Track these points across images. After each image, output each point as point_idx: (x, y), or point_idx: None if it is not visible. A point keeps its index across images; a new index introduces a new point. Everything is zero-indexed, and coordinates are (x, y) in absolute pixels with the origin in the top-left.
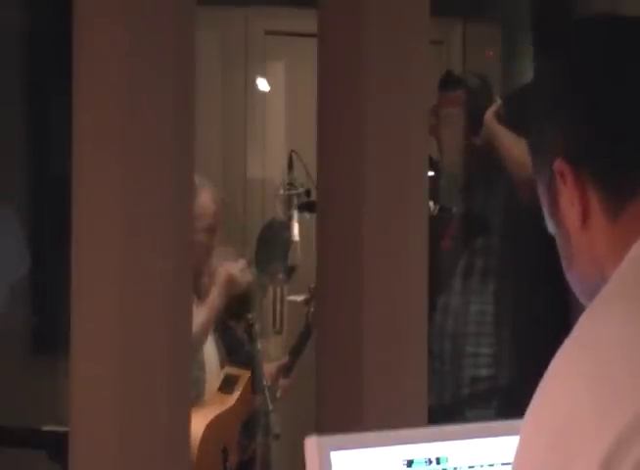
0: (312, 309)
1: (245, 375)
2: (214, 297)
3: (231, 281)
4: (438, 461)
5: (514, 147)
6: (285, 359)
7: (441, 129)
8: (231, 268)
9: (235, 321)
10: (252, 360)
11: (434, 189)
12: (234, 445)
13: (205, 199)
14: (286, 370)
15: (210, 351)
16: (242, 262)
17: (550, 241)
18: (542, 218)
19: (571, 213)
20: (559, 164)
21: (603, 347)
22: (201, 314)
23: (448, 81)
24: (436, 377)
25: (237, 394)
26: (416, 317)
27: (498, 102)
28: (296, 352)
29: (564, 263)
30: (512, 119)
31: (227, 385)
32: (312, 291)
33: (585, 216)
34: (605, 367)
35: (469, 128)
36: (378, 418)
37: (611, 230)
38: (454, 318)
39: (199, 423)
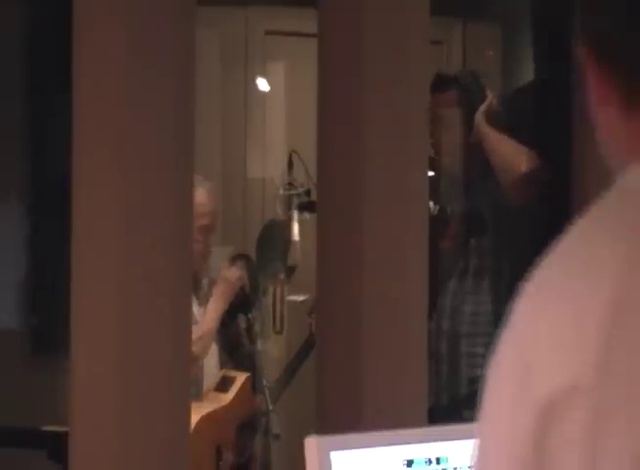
0: (314, 321)
1: (241, 376)
2: (214, 299)
3: (224, 280)
4: (438, 461)
5: (502, 148)
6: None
7: (437, 131)
8: (223, 269)
9: (235, 321)
10: (252, 360)
11: (434, 189)
12: (229, 444)
13: (202, 198)
14: (286, 378)
15: (210, 351)
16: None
17: (545, 240)
18: (536, 217)
19: (593, 99)
20: (582, 46)
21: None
22: (205, 320)
23: (440, 83)
24: (433, 378)
25: (232, 393)
26: (416, 317)
27: (489, 99)
28: (297, 362)
29: None
30: (508, 120)
31: (223, 384)
32: (315, 301)
33: (601, 101)
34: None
35: (465, 127)
36: (378, 418)
37: (626, 130)
38: (450, 319)
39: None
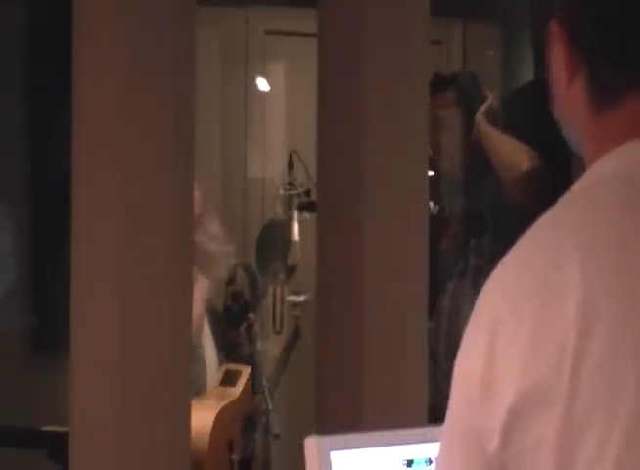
0: (300, 313)
1: (246, 369)
2: (199, 284)
3: (206, 255)
4: None
5: (503, 147)
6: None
7: (437, 131)
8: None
9: (234, 325)
10: (252, 360)
11: (434, 189)
12: (238, 440)
13: None
14: (279, 372)
15: (209, 347)
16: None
17: None
18: (537, 217)
19: (558, 74)
20: (554, 27)
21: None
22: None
23: (438, 84)
24: (433, 378)
25: (241, 386)
26: (416, 317)
27: (490, 99)
28: (285, 354)
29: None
30: (508, 120)
31: (229, 378)
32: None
33: (568, 82)
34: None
35: (464, 128)
36: (378, 418)
37: (591, 120)
38: (450, 319)
39: (206, 414)
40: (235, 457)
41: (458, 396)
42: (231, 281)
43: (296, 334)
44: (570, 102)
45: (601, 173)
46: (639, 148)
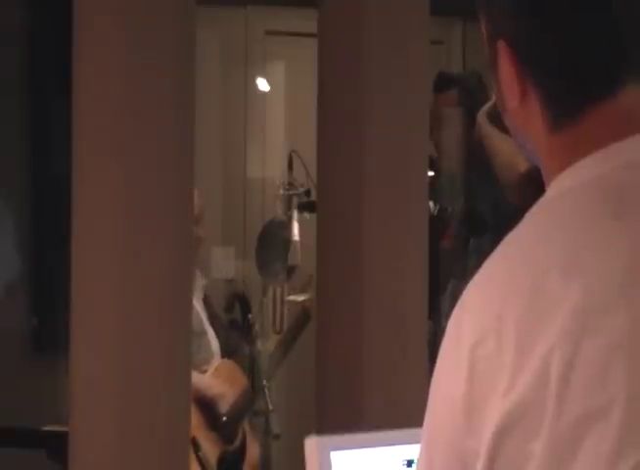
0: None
1: (232, 366)
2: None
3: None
4: None
5: (503, 148)
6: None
7: (439, 131)
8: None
9: (234, 321)
10: (252, 361)
11: (434, 189)
12: (206, 435)
13: None
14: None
15: (214, 342)
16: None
17: None
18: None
19: (509, 90)
20: (502, 47)
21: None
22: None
23: (442, 82)
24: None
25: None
26: (416, 317)
27: (493, 99)
28: (291, 336)
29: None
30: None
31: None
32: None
33: (524, 117)
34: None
35: (466, 127)
36: (378, 418)
37: (550, 137)
38: (448, 319)
39: None
40: (202, 455)
41: (439, 417)
42: (229, 309)
43: (304, 318)
44: (524, 118)
45: (577, 183)
46: (613, 156)
